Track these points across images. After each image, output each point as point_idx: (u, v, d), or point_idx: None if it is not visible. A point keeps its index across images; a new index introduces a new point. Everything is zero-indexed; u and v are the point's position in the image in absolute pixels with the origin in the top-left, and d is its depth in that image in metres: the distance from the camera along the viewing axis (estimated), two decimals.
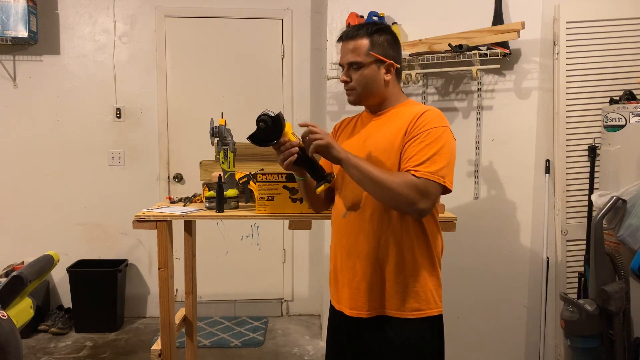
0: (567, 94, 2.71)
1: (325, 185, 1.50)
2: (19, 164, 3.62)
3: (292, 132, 1.48)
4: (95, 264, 3.62)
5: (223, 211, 1.97)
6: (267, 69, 3.72)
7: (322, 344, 3.30)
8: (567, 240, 2.77)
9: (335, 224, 1.64)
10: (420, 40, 2.76)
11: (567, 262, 2.78)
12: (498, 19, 2.71)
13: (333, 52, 3.00)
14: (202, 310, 3.68)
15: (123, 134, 3.67)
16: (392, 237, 1.50)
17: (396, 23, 2.83)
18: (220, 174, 2.03)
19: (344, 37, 1.57)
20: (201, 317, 3.65)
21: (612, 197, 2.29)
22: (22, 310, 2.18)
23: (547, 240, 2.80)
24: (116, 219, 3.68)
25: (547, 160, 2.79)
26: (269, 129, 1.45)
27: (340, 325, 1.63)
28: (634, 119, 2.33)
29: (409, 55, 2.73)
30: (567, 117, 2.71)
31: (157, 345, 2.03)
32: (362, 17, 2.80)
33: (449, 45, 2.60)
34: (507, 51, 2.65)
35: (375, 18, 2.77)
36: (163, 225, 1.92)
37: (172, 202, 2.19)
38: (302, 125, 1.47)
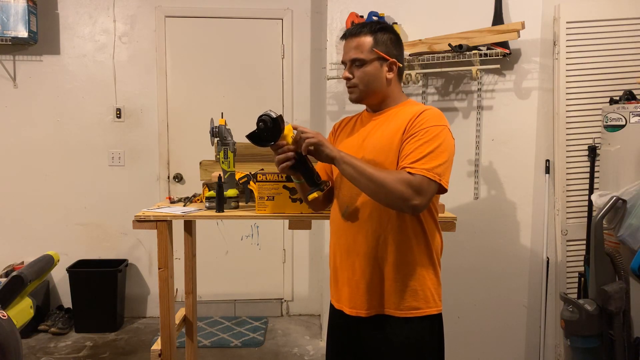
0: (567, 94, 2.71)
1: (318, 193, 1.52)
2: (19, 164, 3.62)
3: (293, 135, 1.48)
4: (95, 264, 3.62)
5: (223, 211, 1.97)
6: (267, 69, 3.72)
7: (322, 344, 3.30)
8: (567, 240, 2.77)
9: (334, 223, 1.64)
10: (420, 40, 2.76)
11: (567, 262, 2.78)
12: (498, 19, 2.71)
13: (333, 52, 3.00)
14: (202, 310, 3.68)
15: (123, 134, 3.67)
16: (391, 236, 1.50)
17: (396, 23, 2.83)
18: (220, 174, 2.03)
19: (347, 35, 1.57)
20: (201, 317, 3.65)
21: (612, 197, 2.29)
22: (22, 310, 2.18)
23: (547, 240, 2.80)
24: (116, 219, 3.68)
25: (547, 160, 2.79)
26: (268, 129, 1.45)
27: (340, 324, 1.63)
28: (634, 119, 2.33)
29: (409, 55, 2.73)
30: (567, 117, 2.71)
31: (157, 345, 2.03)
32: (362, 17, 2.80)
33: (449, 45, 2.60)
34: (507, 51, 2.65)
35: (375, 18, 2.77)
36: (163, 225, 1.92)
37: (172, 202, 2.19)
38: (296, 127, 1.48)
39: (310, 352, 3.25)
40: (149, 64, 3.66)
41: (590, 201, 2.63)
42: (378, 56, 1.53)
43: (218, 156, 2.05)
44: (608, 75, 2.67)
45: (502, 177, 2.84)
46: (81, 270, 3.52)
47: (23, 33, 3.34)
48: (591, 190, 2.68)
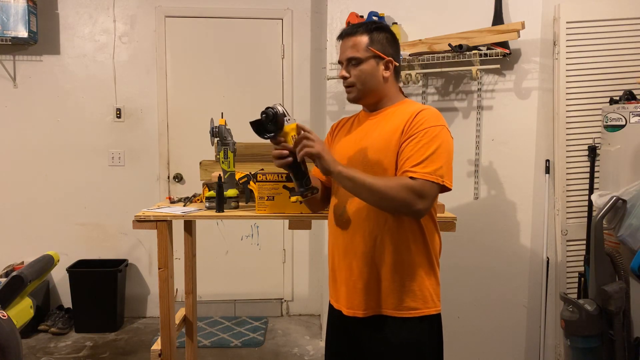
0: (567, 94, 2.70)
1: (297, 198, 1.54)
2: (19, 164, 3.62)
3: (294, 134, 1.48)
4: (95, 264, 3.62)
5: (223, 211, 1.97)
6: (267, 69, 3.72)
7: (322, 344, 3.30)
8: (567, 240, 2.77)
9: (332, 224, 1.64)
10: (420, 40, 2.76)
11: (567, 262, 2.78)
12: (498, 19, 2.71)
13: (333, 52, 3.00)
14: (202, 310, 3.68)
15: (123, 134, 3.67)
16: (389, 236, 1.50)
17: (396, 23, 2.83)
18: (220, 174, 2.03)
19: (344, 34, 1.58)
20: (201, 317, 3.65)
21: (612, 197, 2.29)
22: (22, 310, 2.19)
23: (547, 240, 2.80)
24: (116, 219, 3.68)
25: (547, 160, 2.79)
26: (269, 122, 1.46)
27: (339, 324, 1.63)
28: (634, 119, 2.33)
29: (409, 55, 2.73)
30: (567, 117, 2.71)
31: (157, 345, 2.03)
32: (362, 17, 2.80)
33: (449, 45, 2.60)
34: (507, 51, 2.65)
35: (375, 18, 2.77)
36: (163, 225, 1.92)
37: (172, 202, 2.19)
38: (300, 127, 1.48)
39: (310, 352, 3.25)
40: (149, 64, 3.66)
41: (590, 201, 2.63)
42: (374, 54, 1.54)
43: (218, 156, 2.05)
44: (608, 75, 2.67)
45: (502, 177, 2.84)
46: (81, 270, 3.52)
47: (23, 33, 3.34)
48: (591, 190, 2.68)
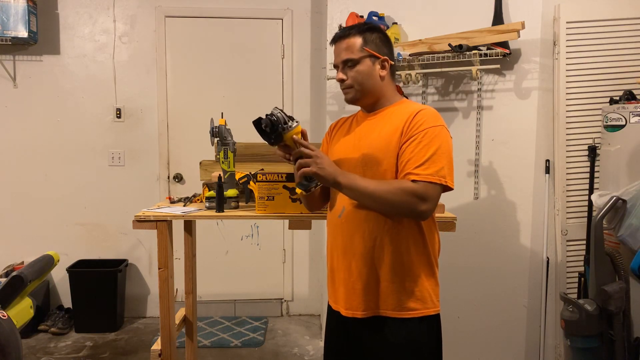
0: (567, 94, 2.70)
1: (302, 192, 1.56)
2: (19, 164, 3.62)
3: (294, 138, 1.48)
4: (95, 264, 3.62)
5: (223, 211, 1.97)
6: (267, 69, 3.73)
7: (322, 344, 3.30)
8: (567, 240, 2.77)
9: (331, 224, 1.64)
10: (420, 40, 2.76)
11: (567, 262, 2.78)
12: (498, 19, 2.71)
13: (333, 52, 3.00)
14: (202, 310, 3.68)
15: (123, 134, 3.67)
16: (388, 236, 1.50)
17: (396, 23, 2.83)
18: (220, 174, 2.03)
19: (337, 38, 1.59)
20: (201, 317, 3.65)
21: (612, 197, 2.29)
22: (22, 310, 2.19)
23: (547, 240, 2.80)
24: (116, 219, 3.68)
25: (547, 160, 2.79)
26: (269, 130, 1.46)
27: (337, 325, 1.62)
28: (634, 119, 2.33)
29: (409, 55, 2.73)
30: (567, 117, 2.71)
31: (157, 345, 2.03)
32: (362, 17, 2.79)
33: (449, 45, 2.60)
34: (507, 51, 2.65)
35: (375, 18, 2.77)
36: (163, 225, 1.92)
37: (172, 202, 2.19)
38: (295, 142, 1.47)
39: (310, 352, 3.25)
40: (149, 64, 3.66)
41: (590, 201, 2.63)
42: (369, 54, 1.54)
43: (218, 156, 2.05)
44: (608, 75, 2.67)
45: (502, 177, 2.84)
46: (81, 270, 3.52)
47: (23, 33, 3.34)
48: (591, 190, 2.68)
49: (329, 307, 1.66)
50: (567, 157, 2.74)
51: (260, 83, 3.72)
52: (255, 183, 1.95)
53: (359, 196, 1.46)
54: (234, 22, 3.68)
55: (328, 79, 3.01)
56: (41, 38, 3.53)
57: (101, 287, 3.48)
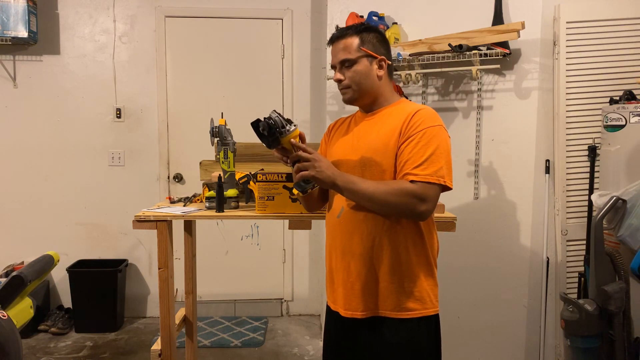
0: (567, 94, 2.70)
1: (299, 194, 1.56)
2: (19, 164, 3.62)
3: (292, 142, 1.48)
4: (95, 264, 3.62)
5: (223, 211, 1.97)
6: (267, 69, 3.73)
7: (322, 344, 3.30)
8: (567, 240, 2.77)
9: (329, 224, 1.64)
10: (420, 40, 2.76)
11: (567, 262, 2.78)
12: (498, 19, 2.71)
13: None
14: (202, 310, 3.68)
15: (123, 134, 3.67)
16: (387, 237, 1.50)
17: (396, 23, 2.83)
18: (220, 174, 2.03)
19: (334, 39, 1.59)
20: (201, 317, 3.65)
21: (612, 197, 2.29)
22: (22, 310, 2.19)
23: (547, 240, 2.79)
24: (116, 219, 3.68)
25: (547, 160, 2.79)
26: (266, 133, 1.46)
27: (336, 325, 1.62)
28: (634, 119, 2.33)
29: (409, 55, 2.73)
30: (567, 117, 2.71)
31: (157, 345, 2.03)
32: (362, 17, 2.80)
33: (449, 45, 2.60)
34: (507, 51, 2.65)
35: (375, 18, 2.77)
36: (163, 225, 1.92)
37: (172, 202, 2.19)
38: (293, 145, 1.47)
39: (310, 352, 3.25)
40: (149, 64, 3.66)
41: (590, 201, 2.63)
42: (366, 54, 1.54)
43: (218, 156, 2.05)
44: (608, 75, 2.67)
45: (502, 177, 2.84)
46: (81, 270, 3.52)
47: (23, 33, 3.34)
48: (591, 190, 2.68)
49: (328, 307, 1.66)
50: (567, 157, 2.74)
51: (260, 83, 3.72)
52: (255, 183, 1.95)
53: (357, 198, 1.46)
54: (234, 22, 3.68)
55: (328, 79, 3.01)
56: (41, 38, 3.53)
57: (101, 287, 3.48)
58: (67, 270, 3.49)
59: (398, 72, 2.77)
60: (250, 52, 3.70)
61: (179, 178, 3.73)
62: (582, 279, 2.67)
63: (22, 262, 3.51)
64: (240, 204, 2.06)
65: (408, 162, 1.44)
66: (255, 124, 1.47)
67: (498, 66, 2.66)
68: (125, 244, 3.73)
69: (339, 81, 1.57)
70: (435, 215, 1.73)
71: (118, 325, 3.55)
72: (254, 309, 3.82)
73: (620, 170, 2.38)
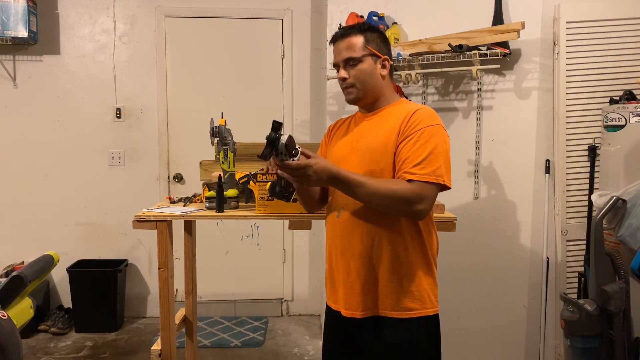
0: (567, 94, 2.70)
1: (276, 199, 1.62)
2: (19, 164, 3.62)
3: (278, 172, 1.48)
4: (95, 264, 3.62)
5: (223, 211, 1.97)
6: (267, 69, 3.72)
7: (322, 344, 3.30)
8: (567, 240, 2.77)
9: (329, 224, 1.64)
10: (420, 40, 2.76)
11: (567, 262, 2.78)
12: (498, 19, 2.71)
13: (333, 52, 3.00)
14: (202, 310, 3.68)
15: (123, 134, 3.67)
16: (386, 236, 1.50)
17: (396, 23, 2.83)
18: (220, 174, 2.03)
19: (338, 36, 1.58)
20: (201, 317, 3.65)
21: (612, 197, 2.29)
22: (22, 310, 2.19)
23: (547, 240, 2.79)
24: (116, 219, 3.68)
25: (547, 160, 2.79)
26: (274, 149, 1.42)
27: (336, 325, 1.62)
28: (634, 119, 2.33)
29: (409, 55, 2.73)
30: (567, 117, 2.71)
31: (157, 345, 2.03)
32: (362, 17, 2.80)
33: (449, 45, 2.60)
34: (507, 51, 2.65)
35: (375, 18, 2.77)
36: (163, 225, 1.92)
37: (172, 202, 2.19)
38: (279, 166, 1.41)
39: (310, 352, 3.26)
40: (149, 64, 3.66)
41: (590, 201, 2.63)
42: (371, 53, 1.54)
43: (218, 156, 2.05)
44: (608, 75, 2.67)
45: (502, 177, 2.84)
46: (81, 270, 3.52)
47: (23, 33, 3.34)
48: (591, 190, 2.68)
49: (328, 307, 1.66)
50: (567, 157, 2.74)
51: (260, 83, 3.72)
52: (255, 183, 1.95)
53: (354, 195, 1.44)
54: (234, 22, 3.68)
55: (328, 79, 3.01)
56: (41, 38, 3.53)
57: (101, 287, 3.48)
58: (67, 270, 3.49)
59: (398, 72, 2.77)
60: (250, 52, 3.70)
61: (179, 178, 3.73)
62: (582, 279, 2.67)
63: (22, 262, 3.51)
64: (240, 204, 2.06)
65: (406, 161, 1.44)
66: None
67: (498, 66, 2.66)
68: (125, 244, 3.73)
69: (342, 79, 1.57)
70: (435, 215, 1.73)
71: (118, 325, 3.55)
72: (254, 309, 3.82)
73: (620, 170, 2.38)
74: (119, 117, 3.65)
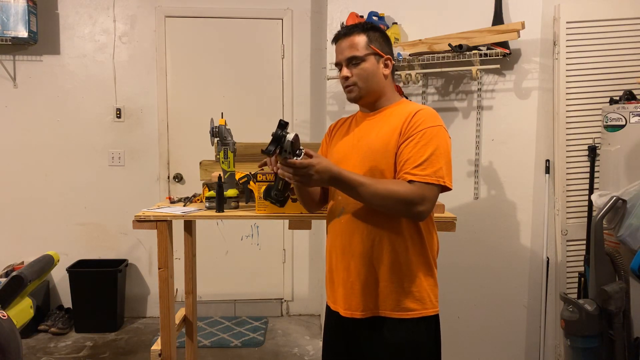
0: (567, 94, 2.70)
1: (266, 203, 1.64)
2: (19, 164, 3.62)
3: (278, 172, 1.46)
4: (95, 264, 3.62)
5: (223, 211, 1.97)
6: (267, 69, 3.72)
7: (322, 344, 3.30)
8: (567, 240, 2.77)
9: (330, 224, 1.64)
10: (420, 40, 2.76)
11: (567, 262, 2.78)
12: (498, 19, 2.71)
13: (333, 52, 2.98)
14: (202, 310, 3.68)
15: (123, 134, 3.67)
16: (387, 237, 1.50)
17: (396, 23, 2.83)
18: (220, 174, 2.03)
19: (341, 35, 1.58)
20: (201, 317, 3.65)
21: (612, 197, 2.29)
22: (22, 310, 2.18)
23: (547, 240, 2.80)
24: (116, 219, 3.68)
25: (547, 160, 2.79)
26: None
27: (336, 325, 1.62)
28: (634, 119, 2.33)
29: (409, 55, 2.73)
30: (567, 117, 2.71)
31: (157, 345, 2.03)
32: (362, 17, 2.79)
33: (449, 45, 2.60)
34: (507, 51, 2.65)
35: (375, 18, 2.77)
36: (163, 225, 1.92)
37: (172, 202, 2.19)
38: (282, 164, 1.39)
39: (310, 352, 3.25)
40: (149, 64, 3.66)
41: (590, 201, 2.63)
42: (374, 52, 1.54)
43: (218, 156, 2.05)
44: (608, 75, 2.67)
45: (502, 177, 2.84)
46: (81, 270, 3.52)
47: (23, 33, 3.34)
48: (591, 190, 2.68)
49: (328, 307, 1.66)
50: (567, 157, 2.74)
51: (260, 83, 3.72)
52: (255, 183, 1.95)
53: (355, 196, 1.44)
54: (234, 22, 3.68)
55: (328, 79, 3.01)
56: (41, 38, 3.53)
57: (101, 287, 3.48)
58: (67, 270, 3.49)
59: (398, 72, 2.77)
60: (251, 52, 3.70)
61: (179, 178, 3.73)
62: (582, 279, 2.67)
63: (22, 262, 3.51)
64: (240, 204, 2.06)
65: (407, 162, 1.44)
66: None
67: (498, 66, 2.66)
68: (125, 244, 3.73)
69: (345, 78, 1.56)
70: (435, 215, 1.73)
71: (118, 325, 3.55)
72: (254, 309, 3.82)
73: (620, 171, 2.38)
74: (119, 117, 3.65)
